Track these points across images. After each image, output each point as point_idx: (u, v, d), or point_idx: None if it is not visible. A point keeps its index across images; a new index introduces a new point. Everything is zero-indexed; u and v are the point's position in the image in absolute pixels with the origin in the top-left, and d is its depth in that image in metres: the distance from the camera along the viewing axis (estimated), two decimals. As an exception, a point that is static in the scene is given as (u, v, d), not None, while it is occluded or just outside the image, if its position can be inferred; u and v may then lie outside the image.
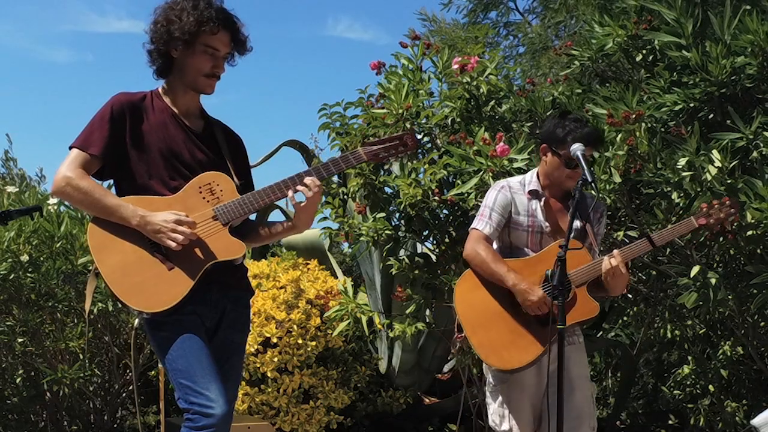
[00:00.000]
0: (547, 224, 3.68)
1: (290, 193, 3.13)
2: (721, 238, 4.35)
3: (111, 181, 3.25)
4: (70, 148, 3.09)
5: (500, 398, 3.69)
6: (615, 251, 3.57)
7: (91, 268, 3.18)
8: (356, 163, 3.28)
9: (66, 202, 5.99)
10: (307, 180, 3.13)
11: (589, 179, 3.31)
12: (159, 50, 3.15)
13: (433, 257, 5.14)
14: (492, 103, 5.08)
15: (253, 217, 3.30)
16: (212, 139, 3.27)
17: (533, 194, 3.72)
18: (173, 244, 3.00)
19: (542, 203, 3.70)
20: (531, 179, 3.75)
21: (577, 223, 3.58)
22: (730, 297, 4.35)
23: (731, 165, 4.19)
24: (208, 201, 3.11)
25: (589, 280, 3.58)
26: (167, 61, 3.17)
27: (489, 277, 3.59)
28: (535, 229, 3.69)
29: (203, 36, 3.10)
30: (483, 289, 3.61)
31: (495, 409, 3.72)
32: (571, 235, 3.36)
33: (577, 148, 3.46)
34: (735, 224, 3.99)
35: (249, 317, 3.36)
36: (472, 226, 3.73)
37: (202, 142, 3.23)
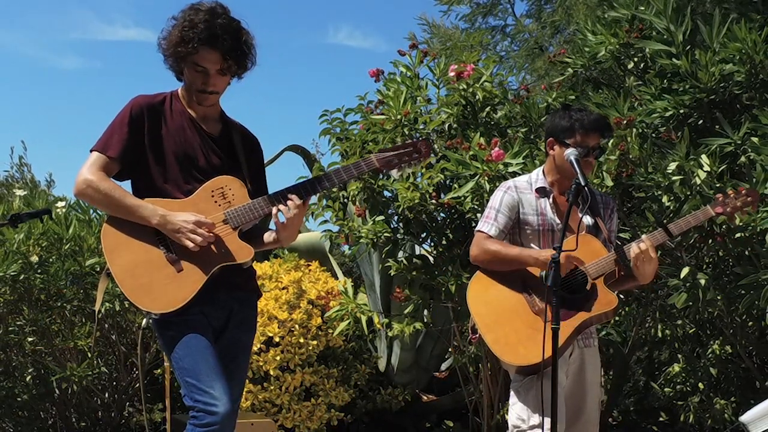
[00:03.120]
0: (558, 221, 3.52)
1: (274, 210, 3.09)
2: (710, 241, 4.35)
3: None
4: (91, 151, 3.08)
5: (530, 393, 3.41)
6: (643, 237, 3.46)
7: (100, 268, 3.18)
8: (368, 170, 3.21)
9: (81, 204, 6.02)
10: (290, 202, 3.08)
11: (582, 183, 3.22)
12: (169, 62, 3.15)
13: (431, 259, 5.14)
14: (488, 109, 5.08)
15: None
16: (229, 143, 3.24)
17: (541, 192, 3.55)
18: (191, 245, 2.99)
19: (551, 200, 3.54)
20: (537, 177, 3.60)
21: (588, 219, 3.49)
22: (719, 297, 4.35)
23: (720, 169, 4.20)
24: (219, 205, 3.09)
25: (606, 272, 3.45)
26: (181, 72, 3.16)
27: (506, 266, 3.44)
28: (546, 227, 3.52)
29: (187, 54, 3.05)
30: (497, 286, 3.46)
31: (523, 404, 3.43)
32: (567, 235, 3.22)
33: (570, 153, 3.36)
34: (745, 218, 3.90)
35: (255, 318, 3.35)
36: (477, 229, 3.57)
37: (219, 147, 3.20)
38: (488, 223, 3.53)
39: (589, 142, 3.47)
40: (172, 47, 3.06)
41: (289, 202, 3.08)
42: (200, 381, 2.95)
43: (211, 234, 3.01)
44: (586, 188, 3.27)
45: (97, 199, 3.04)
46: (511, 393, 3.52)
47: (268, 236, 3.23)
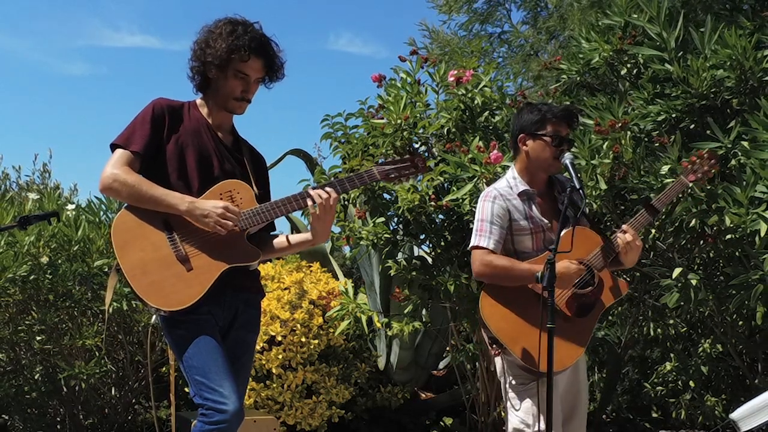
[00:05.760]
0: (546, 221, 3.46)
1: (310, 202, 3.12)
2: (701, 242, 4.34)
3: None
4: (112, 146, 3.09)
5: (533, 398, 3.35)
6: (624, 226, 3.44)
7: (108, 269, 3.16)
8: (369, 182, 3.27)
9: (91, 206, 6.01)
10: (322, 191, 3.12)
11: (578, 186, 3.19)
12: (197, 69, 3.18)
13: (430, 260, 5.12)
14: (486, 113, 5.06)
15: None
16: (239, 154, 3.28)
17: (524, 195, 3.50)
18: (221, 230, 3.01)
19: (535, 201, 3.49)
20: (516, 181, 3.52)
21: (570, 212, 3.43)
22: (709, 297, 4.33)
23: (711, 172, 4.17)
24: None
25: (607, 260, 3.42)
26: (204, 79, 3.19)
27: (514, 282, 3.36)
28: (537, 229, 3.46)
29: (234, 62, 3.11)
30: (505, 300, 3.39)
31: (526, 410, 3.39)
32: (561, 235, 3.22)
33: (567, 158, 3.33)
34: (713, 222, 3.96)
35: (259, 318, 3.36)
36: (473, 245, 3.44)
37: (230, 155, 3.24)
38: (485, 237, 3.42)
39: (561, 131, 3.44)
40: (224, 55, 3.09)
41: (323, 192, 3.11)
42: (210, 379, 2.95)
43: (238, 221, 3.04)
44: (566, 199, 3.24)
45: (125, 192, 3.03)
46: (512, 395, 3.45)
47: (296, 237, 3.26)
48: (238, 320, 3.20)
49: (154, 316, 3.13)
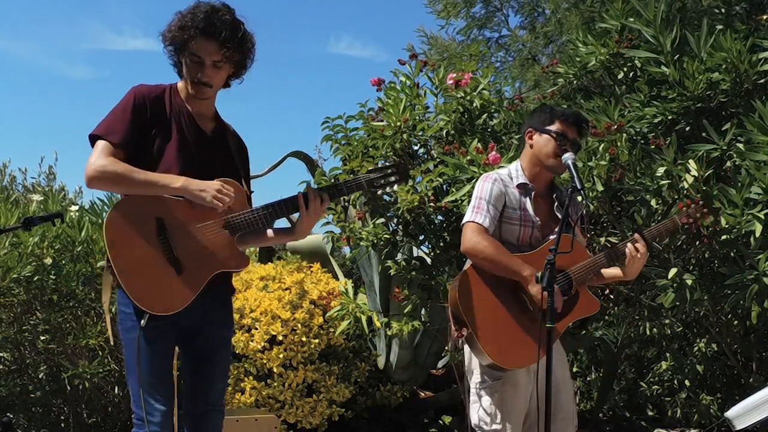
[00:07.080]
0: (537, 218, 3.43)
1: (312, 205, 3.09)
2: (697, 242, 4.33)
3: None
4: (91, 136, 2.97)
5: (493, 396, 3.36)
6: (636, 235, 3.42)
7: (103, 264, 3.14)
8: (357, 190, 3.28)
9: (94, 208, 5.99)
10: (318, 193, 3.10)
11: (578, 186, 3.14)
12: (168, 53, 3.09)
13: (429, 260, 5.12)
14: (484, 116, 5.06)
15: None
16: (222, 141, 3.18)
17: (522, 188, 3.46)
18: (218, 204, 2.93)
19: (531, 198, 3.45)
20: (517, 173, 3.49)
21: (560, 214, 3.41)
22: (705, 297, 4.33)
23: (706, 174, 4.17)
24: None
25: (589, 276, 3.40)
26: (178, 64, 3.10)
27: (500, 271, 3.30)
28: (527, 223, 3.42)
29: (186, 44, 2.99)
30: (485, 285, 3.32)
31: (485, 407, 3.38)
32: (561, 236, 3.22)
33: (568, 157, 3.28)
34: (707, 224, 3.96)
35: (232, 313, 3.33)
36: (468, 219, 3.38)
37: (213, 144, 3.14)
38: (481, 214, 3.37)
39: (568, 132, 3.42)
40: (170, 34, 3.00)
41: (319, 200, 3.08)
42: (145, 390, 2.94)
43: (232, 198, 2.98)
44: (567, 199, 3.23)
45: (115, 181, 2.92)
46: (473, 392, 3.44)
47: (277, 231, 3.25)
48: (208, 319, 3.12)
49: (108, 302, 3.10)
